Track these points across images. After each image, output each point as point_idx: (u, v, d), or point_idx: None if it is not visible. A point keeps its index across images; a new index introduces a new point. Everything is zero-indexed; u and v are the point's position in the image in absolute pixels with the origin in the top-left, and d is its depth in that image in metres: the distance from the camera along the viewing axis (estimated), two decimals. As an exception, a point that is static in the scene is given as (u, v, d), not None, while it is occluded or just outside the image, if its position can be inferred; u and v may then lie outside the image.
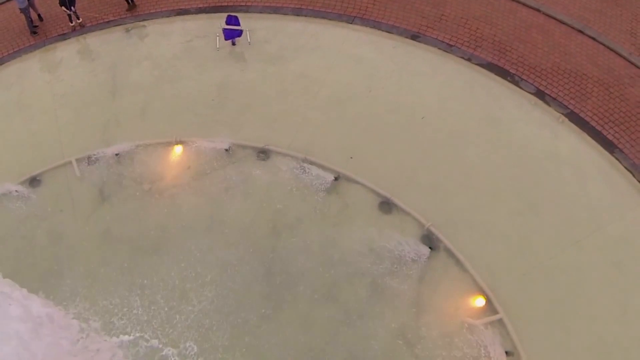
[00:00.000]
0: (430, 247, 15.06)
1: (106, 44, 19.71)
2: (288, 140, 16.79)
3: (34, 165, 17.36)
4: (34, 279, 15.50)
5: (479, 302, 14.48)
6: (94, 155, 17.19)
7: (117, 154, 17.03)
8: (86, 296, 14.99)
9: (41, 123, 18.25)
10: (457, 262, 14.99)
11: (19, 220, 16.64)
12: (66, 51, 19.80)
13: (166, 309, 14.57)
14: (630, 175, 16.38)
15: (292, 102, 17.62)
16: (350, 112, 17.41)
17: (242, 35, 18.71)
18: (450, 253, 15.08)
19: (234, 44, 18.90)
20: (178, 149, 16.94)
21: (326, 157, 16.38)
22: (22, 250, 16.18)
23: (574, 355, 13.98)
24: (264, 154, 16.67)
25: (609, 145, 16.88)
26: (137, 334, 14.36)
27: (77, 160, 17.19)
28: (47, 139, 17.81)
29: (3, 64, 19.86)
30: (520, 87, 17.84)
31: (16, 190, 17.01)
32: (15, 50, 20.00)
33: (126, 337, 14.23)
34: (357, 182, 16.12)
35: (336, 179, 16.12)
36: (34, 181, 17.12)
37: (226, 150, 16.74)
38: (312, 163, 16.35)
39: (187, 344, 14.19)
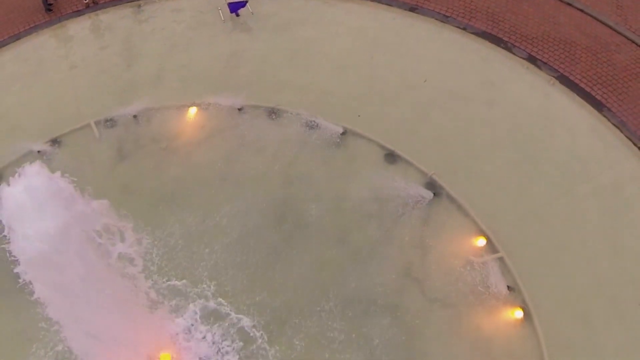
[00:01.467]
0: (433, 193, 15.99)
1: (119, 20, 20.63)
2: (297, 101, 17.74)
3: (54, 129, 18.16)
4: None
5: (480, 242, 15.43)
6: (112, 117, 18.02)
7: (134, 116, 17.92)
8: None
9: (59, 91, 19.08)
10: (459, 207, 15.96)
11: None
12: (80, 27, 20.66)
13: (185, 252, 15.34)
14: (618, 130, 17.48)
15: (299, 68, 18.62)
16: (355, 76, 18.44)
17: (245, 6, 19.67)
18: (452, 199, 16.06)
19: (237, 15, 19.88)
20: (192, 111, 17.86)
21: (334, 116, 17.30)
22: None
23: (570, 289, 14.96)
24: (274, 113, 17.63)
25: (597, 105, 18.00)
26: (157, 277, 15.15)
27: (95, 122, 17.98)
28: (66, 105, 18.64)
29: (20, 39, 20.69)
30: (513, 53, 18.96)
31: (38, 151, 17.80)
32: (31, 26, 20.83)
33: (149, 282, 14.97)
34: (363, 137, 17.11)
35: (343, 133, 17.08)
36: (54, 143, 17.92)
37: (239, 110, 17.67)
38: (320, 121, 17.24)
39: (206, 284, 15.00)
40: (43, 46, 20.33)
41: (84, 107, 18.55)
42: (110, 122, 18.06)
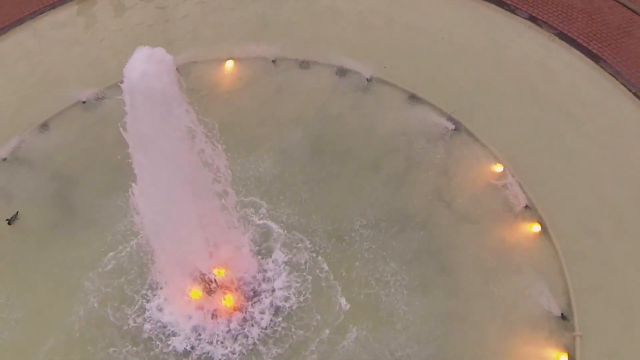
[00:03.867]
0: (454, 127, 17.80)
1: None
2: (325, 54, 19.47)
3: (98, 83, 19.74)
4: (106, 172, 17.87)
5: (498, 168, 17.21)
6: (153, 71, 19.51)
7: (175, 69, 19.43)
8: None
9: (100, 50, 20.71)
10: (476, 140, 17.77)
11: (88, 125, 18.98)
12: (117, -4, 22.24)
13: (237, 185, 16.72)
14: (614, 79, 19.39)
15: (325, 27, 20.38)
16: (377, 34, 20.25)
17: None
18: (470, 133, 17.87)
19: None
20: (229, 63, 19.49)
21: (360, 66, 19.05)
22: (91, 150, 18.49)
23: (580, 208, 16.72)
24: (305, 63, 19.34)
25: (594, 57, 19.95)
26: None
27: (136, 75, 19.47)
28: (107, 62, 20.13)
29: (55, 8, 22.19)
30: (516, 14, 20.91)
31: (83, 102, 19.30)
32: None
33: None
34: (387, 83, 18.92)
35: (369, 80, 18.86)
36: (99, 95, 19.46)
37: (273, 61, 19.37)
38: (347, 70, 19.00)
39: (261, 207, 16.64)
40: (81, 13, 21.82)
41: (124, 61, 20.01)
42: (151, 75, 19.50)
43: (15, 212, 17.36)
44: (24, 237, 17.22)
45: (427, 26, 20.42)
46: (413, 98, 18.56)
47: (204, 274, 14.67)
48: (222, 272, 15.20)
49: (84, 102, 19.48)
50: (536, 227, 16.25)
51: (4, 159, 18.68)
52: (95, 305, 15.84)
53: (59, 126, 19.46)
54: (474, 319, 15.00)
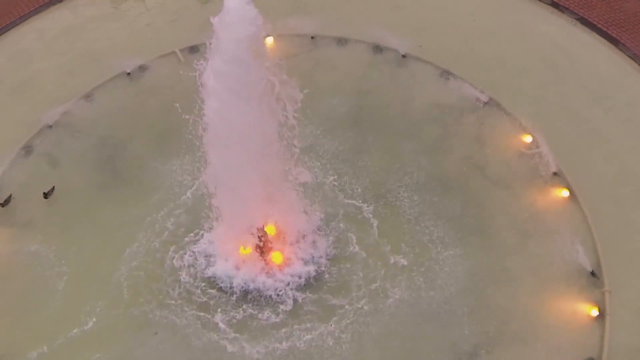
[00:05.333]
0: (484, 101, 18.84)
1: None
2: (361, 32, 20.46)
3: (141, 56, 20.61)
4: (150, 139, 18.96)
5: (528, 138, 18.25)
6: (194, 45, 20.45)
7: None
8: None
9: (140, 25, 21.69)
10: (507, 112, 18.82)
11: (132, 95, 19.85)
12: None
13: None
14: (632, 61, 20.53)
15: (361, 6, 21.41)
16: (411, 14, 21.39)
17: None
18: (500, 107, 18.91)
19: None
20: (269, 40, 20.39)
21: (395, 44, 20.10)
22: (136, 118, 19.40)
23: (604, 175, 17.77)
24: (343, 40, 20.32)
25: (613, 41, 21.07)
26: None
27: (180, 50, 20.42)
28: (147, 36, 21.09)
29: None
30: (540, 0, 22.10)
31: (128, 73, 20.15)
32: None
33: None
34: (421, 60, 19.96)
35: (404, 57, 19.89)
36: (142, 67, 20.33)
37: (312, 38, 20.32)
38: (383, 47, 20.02)
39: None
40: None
41: (166, 40, 20.97)
42: (193, 49, 20.45)
43: (52, 187, 17.88)
44: (71, 199, 17.94)
45: (457, 9, 21.42)
46: (446, 74, 19.55)
47: (256, 229, 15.41)
48: (273, 228, 15.93)
49: (128, 74, 20.26)
50: (565, 193, 17.21)
51: (50, 126, 19.34)
52: (142, 261, 16.55)
53: (104, 96, 20.34)
54: (510, 275, 15.95)
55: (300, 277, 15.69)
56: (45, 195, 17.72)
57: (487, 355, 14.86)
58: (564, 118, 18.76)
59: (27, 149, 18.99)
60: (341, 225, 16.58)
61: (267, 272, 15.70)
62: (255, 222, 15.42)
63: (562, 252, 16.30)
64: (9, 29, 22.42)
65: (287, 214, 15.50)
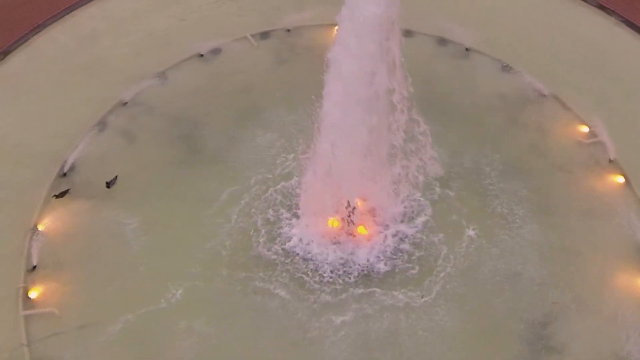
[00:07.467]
0: (544, 94, 20.23)
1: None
2: (425, 25, 21.68)
3: (214, 40, 21.65)
4: (226, 118, 19.96)
5: (585, 129, 19.65)
6: (266, 31, 21.49)
7: (288, 30, 21.44)
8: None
9: (210, 11, 22.52)
10: (565, 105, 20.20)
11: (206, 76, 20.84)
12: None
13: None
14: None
15: (424, 2, 22.61)
16: (472, 10, 22.77)
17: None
18: (559, 99, 20.31)
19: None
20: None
21: (459, 37, 21.42)
22: (211, 98, 20.44)
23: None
24: (409, 32, 21.52)
25: (659, 42, 22.67)
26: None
27: (251, 35, 21.45)
28: (223, 21, 22.09)
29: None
30: (586, 2, 23.56)
31: (201, 55, 21.08)
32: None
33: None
34: (483, 53, 21.27)
35: (467, 50, 21.19)
36: (215, 50, 21.25)
37: (380, 29, 21.44)
38: (447, 40, 21.32)
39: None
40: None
41: (238, 24, 21.96)
42: (264, 35, 21.50)
43: (114, 176, 18.27)
44: (150, 174, 18.64)
45: (513, 7, 22.81)
46: (506, 67, 20.87)
47: (348, 203, 16.44)
48: (361, 202, 16.95)
49: (201, 55, 21.17)
50: (620, 179, 18.62)
51: (125, 103, 20.11)
52: (227, 235, 17.31)
53: (177, 76, 21.13)
54: (574, 251, 17.27)
55: (385, 248, 16.75)
56: (108, 185, 18.05)
57: (556, 323, 16.04)
58: (616, 111, 20.11)
59: (102, 125, 19.69)
60: (420, 200, 17.67)
61: (355, 244, 16.65)
62: (349, 197, 16.38)
63: (620, 232, 17.62)
64: (75, 9, 22.99)
65: (381, 190, 16.50)
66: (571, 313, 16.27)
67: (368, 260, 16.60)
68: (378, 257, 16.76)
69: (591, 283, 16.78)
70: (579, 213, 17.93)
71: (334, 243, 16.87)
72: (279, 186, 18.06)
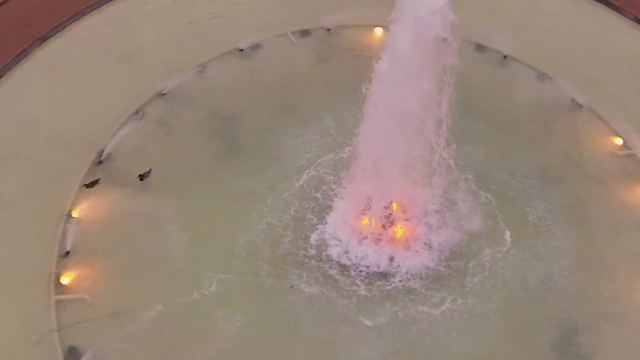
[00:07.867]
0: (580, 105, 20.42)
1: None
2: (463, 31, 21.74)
3: (254, 36, 21.89)
4: (266, 113, 20.11)
5: (618, 141, 19.83)
6: (307, 29, 21.69)
7: (328, 29, 21.65)
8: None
9: (251, 5, 22.82)
10: (600, 116, 20.36)
11: (245, 70, 21.08)
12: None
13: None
14: None
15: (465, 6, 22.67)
16: (510, 19, 22.86)
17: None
18: (594, 110, 20.46)
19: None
20: (378, 30, 21.71)
21: (497, 44, 21.65)
22: (250, 92, 20.63)
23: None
24: (444, 41, 21.62)
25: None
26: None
27: (291, 32, 21.66)
28: (259, 17, 22.31)
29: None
30: (623, 14, 23.62)
31: (241, 49, 21.26)
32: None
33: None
34: (520, 61, 21.47)
35: (505, 57, 21.37)
36: (255, 45, 21.54)
37: (419, 33, 21.63)
38: (485, 46, 21.52)
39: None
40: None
41: (278, 21, 22.15)
42: (304, 33, 21.70)
43: (148, 169, 18.32)
44: (187, 166, 18.81)
45: (549, 15, 22.94)
46: (542, 75, 21.04)
47: (385, 205, 16.68)
48: (395, 205, 17.19)
49: (241, 50, 21.38)
50: (653, 190, 18.87)
51: (163, 94, 20.33)
52: (259, 231, 17.44)
53: (216, 70, 21.34)
54: (606, 262, 17.44)
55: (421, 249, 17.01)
56: (141, 177, 18.07)
57: (586, 333, 16.24)
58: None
59: (140, 115, 19.86)
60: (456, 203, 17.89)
61: (393, 247, 16.90)
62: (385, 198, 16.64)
63: (653, 245, 17.81)
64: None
65: (417, 192, 16.75)
66: (601, 323, 16.43)
67: (402, 264, 16.77)
68: (413, 260, 16.90)
69: (621, 294, 16.98)
70: (610, 224, 18.12)
71: (371, 244, 17.02)
72: (316, 183, 18.24)
